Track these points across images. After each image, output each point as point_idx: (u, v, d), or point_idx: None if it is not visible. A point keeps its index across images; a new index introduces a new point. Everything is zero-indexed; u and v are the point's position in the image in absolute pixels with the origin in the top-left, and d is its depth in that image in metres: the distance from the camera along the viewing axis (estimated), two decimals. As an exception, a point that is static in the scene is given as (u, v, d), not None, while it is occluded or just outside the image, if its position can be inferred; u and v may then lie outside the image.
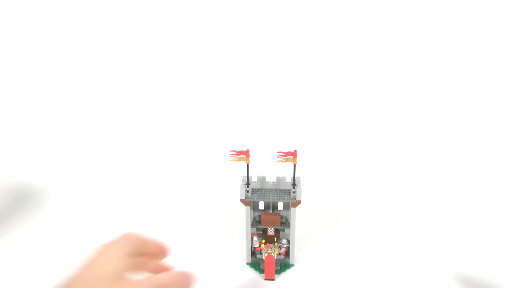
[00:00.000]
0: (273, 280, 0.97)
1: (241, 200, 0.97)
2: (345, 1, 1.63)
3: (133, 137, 1.67)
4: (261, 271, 0.99)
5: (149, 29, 1.68)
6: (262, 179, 1.00)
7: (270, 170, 1.04)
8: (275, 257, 0.97)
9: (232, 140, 1.47)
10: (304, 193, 0.99)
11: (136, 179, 1.48)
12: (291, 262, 1.01)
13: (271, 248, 0.98)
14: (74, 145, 1.63)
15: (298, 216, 0.98)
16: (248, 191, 0.96)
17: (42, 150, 1.60)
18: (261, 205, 1.03)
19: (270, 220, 1.00)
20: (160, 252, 0.68)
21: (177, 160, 1.59)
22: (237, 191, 0.96)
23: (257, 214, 1.02)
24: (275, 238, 1.01)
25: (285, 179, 0.99)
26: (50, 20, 1.67)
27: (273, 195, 0.97)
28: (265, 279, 0.97)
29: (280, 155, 0.91)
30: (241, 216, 0.99)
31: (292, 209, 0.96)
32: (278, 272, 0.99)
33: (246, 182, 0.96)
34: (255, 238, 1.00)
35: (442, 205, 1.31)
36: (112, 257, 0.59)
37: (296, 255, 1.03)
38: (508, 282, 0.97)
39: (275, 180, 1.00)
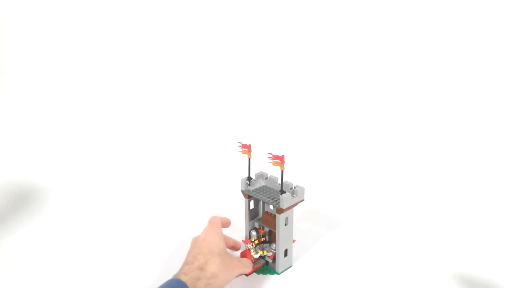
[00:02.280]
0: (246, 275, 0.97)
1: (242, 191, 1.00)
2: (339, 4, 1.62)
3: (134, 137, 1.67)
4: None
5: (150, 29, 1.67)
6: (273, 179, 0.99)
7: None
8: (257, 256, 0.97)
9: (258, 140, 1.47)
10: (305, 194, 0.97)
11: (137, 178, 1.49)
12: (276, 269, 0.99)
13: (251, 244, 0.98)
14: (74, 145, 1.64)
15: (296, 217, 0.97)
16: (248, 184, 0.98)
17: (42, 150, 1.61)
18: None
19: (268, 220, 0.99)
20: (227, 225, 1.01)
21: (184, 157, 1.59)
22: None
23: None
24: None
25: (292, 184, 0.96)
26: (50, 19, 1.67)
27: (269, 195, 0.96)
28: None
29: (270, 157, 0.89)
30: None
31: (278, 216, 0.93)
32: (259, 272, 0.99)
33: (248, 176, 0.98)
34: (253, 233, 1.01)
35: (441, 205, 1.30)
36: (218, 237, 0.91)
37: (294, 255, 1.02)
38: (508, 282, 0.96)
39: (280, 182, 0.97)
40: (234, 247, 1.02)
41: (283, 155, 0.87)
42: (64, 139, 1.64)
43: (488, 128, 1.56)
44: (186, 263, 0.85)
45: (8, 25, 1.67)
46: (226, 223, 1.01)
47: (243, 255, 0.97)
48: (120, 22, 1.68)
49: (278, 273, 0.99)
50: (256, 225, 1.03)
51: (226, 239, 0.97)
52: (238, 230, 1.06)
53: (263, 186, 1.01)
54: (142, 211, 1.28)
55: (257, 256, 0.97)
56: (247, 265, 0.95)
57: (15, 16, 1.66)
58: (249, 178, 0.98)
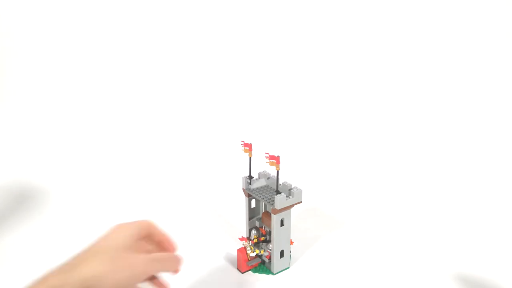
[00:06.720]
0: (241, 272, 0.98)
1: (243, 189, 1.01)
2: (337, 4, 1.59)
3: (135, 136, 1.67)
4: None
5: (152, 29, 1.68)
6: (275, 179, 0.98)
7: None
8: (253, 255, 0.97)
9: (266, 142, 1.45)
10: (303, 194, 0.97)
11: (137, 178, 1.49)
12: (271, 270, 0.99)
13: (248, 242, 0.98)
14: (74, 145, 1.64)
15: (295, 219, 0.97)
16: (249, 183, 0.99)
17: (42, 150, 1.61)
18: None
19: (266, 220, 0.99)
20: (167, 246, 0.73)
21: (187, 156, 1.60)
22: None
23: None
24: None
25: (291, 186, 0.96)
26: (50, 20, 1.67)
27: (267, 195, 0.96)
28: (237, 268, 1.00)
29: (266, 156, 0.89)
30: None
31: (273, 216, 0.93)
32: (254, 270, 0.99)
33: (249, 174, 0.99)
34: (253, 231, 1.01)
35: (441, 205, 1.30)
36: (122, 234, 0.68)
37: (292, 256, 1.03)
38: (508, 282, 0.96)
39: (281, 183, 0.98)
40: (163, 248, 0.74)
41: (278, 155, 0.87)
42: (64, 139, 1.65)
43: (488, 129, 1.56)
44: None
45: (8, 25, 1.67)
46: (166, 244, 0.74)
47: (239, 252, 0.98)
48: (121, 23, 1.69)
49: (273, 273, 0.99)
50: (258, 224, 1.03)
51: (150, 236, 0.72)
52: (238, 228, 1.06)
53: (264, 185, 1.02)
54: (143, 210, 1.28)
55: (253, 254, 0.98)
56: (164, 260, 0.70)
57: (15, 16, 1.67)
58: (250, 177, 0.99)
